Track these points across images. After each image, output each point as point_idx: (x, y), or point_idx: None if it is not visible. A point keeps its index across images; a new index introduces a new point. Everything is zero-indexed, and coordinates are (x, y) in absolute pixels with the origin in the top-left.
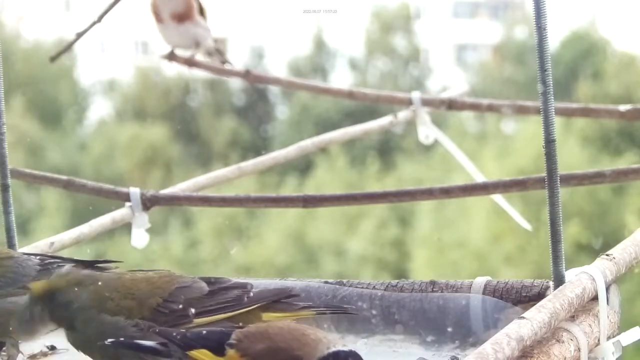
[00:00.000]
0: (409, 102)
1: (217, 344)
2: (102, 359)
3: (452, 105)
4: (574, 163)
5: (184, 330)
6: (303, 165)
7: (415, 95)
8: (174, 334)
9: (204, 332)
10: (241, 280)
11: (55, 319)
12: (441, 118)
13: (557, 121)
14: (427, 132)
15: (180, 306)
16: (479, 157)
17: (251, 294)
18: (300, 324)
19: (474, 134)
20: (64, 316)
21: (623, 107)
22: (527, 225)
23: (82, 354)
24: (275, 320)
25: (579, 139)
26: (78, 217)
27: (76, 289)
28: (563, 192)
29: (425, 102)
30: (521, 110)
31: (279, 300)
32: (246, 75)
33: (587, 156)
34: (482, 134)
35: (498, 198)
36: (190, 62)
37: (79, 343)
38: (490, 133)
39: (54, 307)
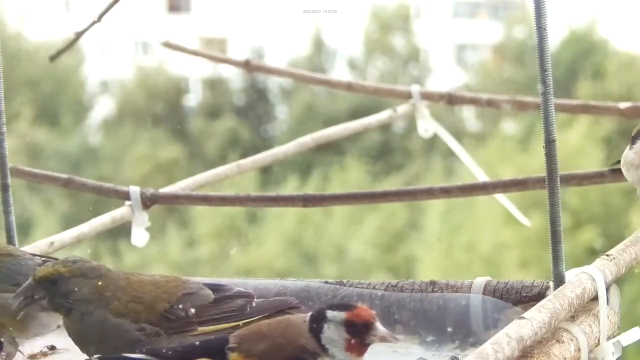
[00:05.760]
0: (408, 96)
1: (217, 351)
2: (97, 354)
3: (451, 99)
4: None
5: (173, 346)
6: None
7: (415, 88)
8: (164, 350)
9: (197, 343)
10: (243, 289)
11: (54, 305)
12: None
13: (582, 122)
14: (426, 125)
15: (186, 313)
16: (492, 158)
17: (253, 304)
18: (278, 315)
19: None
20: (62, 304)
21: (623, 105)
22: (525, 221)
23: (77, 346)
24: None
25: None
26: (77, 221)
27: (79, 279)
28: (574, 198)
29: (425, 96)
30: (520, 106)
31: (281, 311)
32: (246, 64)
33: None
34: (490, 135)
35: (499, 196)
36: (191, 52)
37: (74, 334)
38: (499, 134)
39: (54, 293)
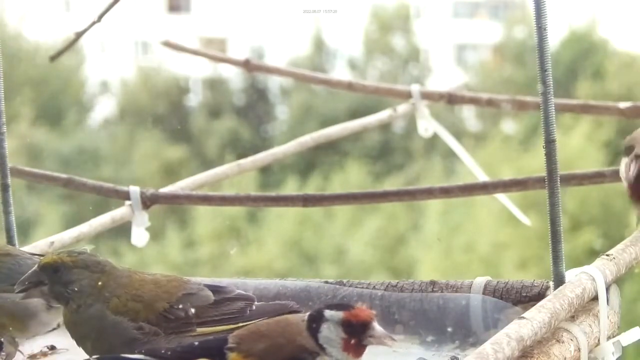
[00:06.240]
0: (408, 95)
1: (216, 351)
2: (93, 351)
3: (451, 99)
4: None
5: (172, 346)
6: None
7: (415, 88)
8: (163, 350)
9: (196, 343)
10: (244, 291)
11: (54, 292)
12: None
13: (584, 125)
14: (426, 125)
15: (186, 314)
16: (492, 158)
17: (253, 307)
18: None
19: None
20: (62, 293)
21: (623, 104)
22: (526, 220)
23: (73, 339)
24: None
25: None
26: (77, 221)
27: (81, 270)
28: (573, 201)
29: (425, 96)
30: (520, 106)
31: (280, 315)
32: (246, 64)
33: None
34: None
35: (499, 195)
36: (191, 51)
37: (70, 325)
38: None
39: (55, 281)
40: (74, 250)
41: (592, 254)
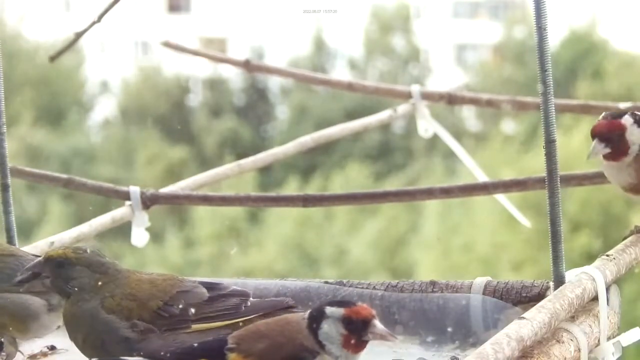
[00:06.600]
0: (408, 96)
1: (216, 352)
2: (84, 345)
3: (451, 99)
4: None
5: (172, 348)
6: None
7: (415, 88)
8: (162, 352)
9: (196, 344)
10: (239, 287)
11: (55, 286)
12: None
13: (585, 125)
14: (426, 125)
15: (180, 311)
16: (492, 159)
17: (249, 303)
18: (274, 315)
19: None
20: (62, 288)
21: (623, 105)
22: (526, 222)
23: (67, 332)
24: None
25: None
26: (77, 221)
27: (83, 268)
28: (573, 204)
29: (425, 96)
30: (520, 106)
31: (277, 311)
32: (246, 64)
33: None
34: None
35: (499, 196)
36: (191, 51)
37: (67, 318)
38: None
39: (57, 275)
40: (81, 247)
41: (590, 257)
